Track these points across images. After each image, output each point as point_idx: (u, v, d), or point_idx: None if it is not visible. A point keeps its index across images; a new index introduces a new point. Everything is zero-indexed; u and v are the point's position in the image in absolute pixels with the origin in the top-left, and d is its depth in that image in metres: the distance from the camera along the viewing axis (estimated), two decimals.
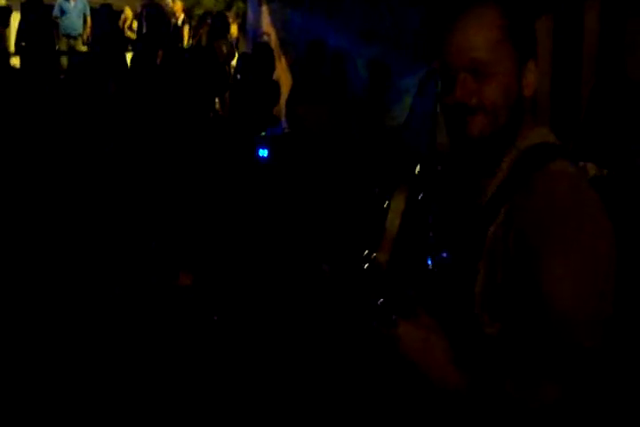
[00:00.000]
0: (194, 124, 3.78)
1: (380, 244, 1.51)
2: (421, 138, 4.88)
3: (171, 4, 12.81)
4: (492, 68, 1.48)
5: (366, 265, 1.48)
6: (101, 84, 4.29)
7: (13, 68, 7.19)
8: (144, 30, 12.36)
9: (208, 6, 12.83)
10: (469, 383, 1.39)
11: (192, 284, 3.01)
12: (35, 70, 6.02)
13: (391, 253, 1.48)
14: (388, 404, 1.70)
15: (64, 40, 12.13)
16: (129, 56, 8.47)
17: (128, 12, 13.40)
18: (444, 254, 1.64)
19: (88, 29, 12.39)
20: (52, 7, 12.09)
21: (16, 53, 10.94)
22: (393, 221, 1.52)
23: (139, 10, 12.99)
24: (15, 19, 11.85)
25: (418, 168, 1.61)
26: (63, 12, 12.08)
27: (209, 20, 10.98)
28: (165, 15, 12.50)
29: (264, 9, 10.09)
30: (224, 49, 8.88)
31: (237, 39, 11.33)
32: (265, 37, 9.75)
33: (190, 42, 11.62)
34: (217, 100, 6.47)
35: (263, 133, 3.99)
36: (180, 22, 12.65)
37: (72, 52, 11.53)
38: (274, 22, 9.63)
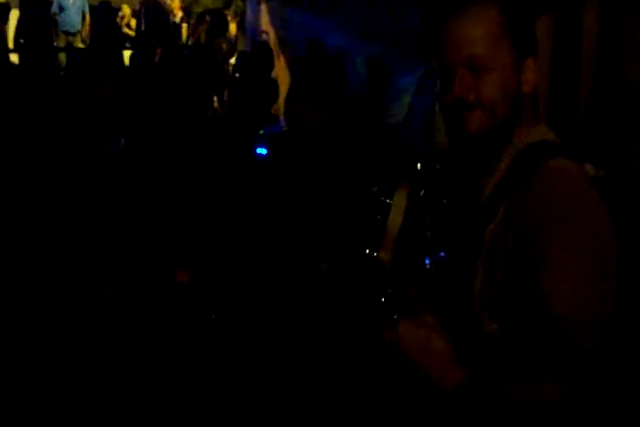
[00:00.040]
0: (192, 122, 3.78)
1: (381, 242, 1.50)
2: (420, 136, 4.88)
3: (169, 1, 12.80)
4: (489, 64, 1.48)
5: (368, 264, 1.48)
6: (98, 83, 4.29)
7: (12, 65, 7.18)
8: (142, 28, 12.35)
9: (207, 4, 12.82)
10: (469, 383, 1.38)
11: (190, 282, 3.01)
12: (33, 67, 6.00)
13: (393, 251, 1.48)
14: (387, 403, 1.70)
15: (62, 37, 12.11)
16: (127, 54, 8.46)
17: (126, 10, 13.38)
18: (442, 254, 1.64)
19: (87, 26, 12.37)
20: (50, 4, 12.07)
21: (14, 50, 10.92)
22: (395, 220, 1.52)
23: (137, 7, 12.98)
24: (13, 15, 11.83)
25: (419, 165, 1.60)
26: (62, 8, 12.05)
27: (208, 18, 10.97)
28: (164, 13, 12.49)
29: (263, 7, 10.08)
30: (224, 47, 8.87)
31: (236, 37, 11.32)
32: (264, 36, 9.74)
33: (188, 40, 11.60)
34: (215, 98, 6.47)
35: (262, 132, 4.00)
36: (177, 20, 12.64)
37: (70, 48, 11.50)
38: (273, 21, 9.62)
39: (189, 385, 2.74)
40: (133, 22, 13.22)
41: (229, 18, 11.05)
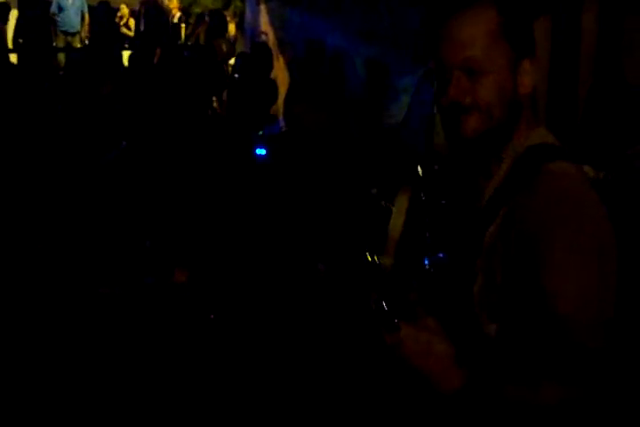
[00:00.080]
0: (191, 122, 3.78)
1: (383, 246, 1.51)
2: (419, 137, 4.88)
3: (166, 1, 12.78)
4: (485, 67, 1.48)
5: (369, 268, 1.48)
6: (96, 84, 4.29)
7: (11, 65, 7.18)
8: (142, 28, 12.34)
9: (206, 5, 12.81)
10: (469, 386, 1.38)
11: (188, 281, 3.01)
12: (32, 67, 6.00)
13: (395, 256, 1.49)
14: (387, 404, 1.70)
15: (61, 37, 12.10)
16: (126, 54, 8.45)
17: (124, 10, 13.37)
18: (441, 255, 1.64)
19: (86, 27, 12.37)
20: (49, 4, 12.07)
21: (13, 50, 10.92)
22: (396, 224, 1.52)
23: (137, 7, 12.97)
24: (13, 15, 11.83)
25: (420, 169, 1.60)
26: (61, 9, 12.05)
27: (207, 19, 10.96)
28: (164, 13, 12.49)
29: (262, 8, 10.08)
30: (224, 48, 8.87)
31: (235, 38, 11.31)
32: (263, 36, 9.75)
33: (187, 40, 11.60)
34: (214, 98, 6.47)
35: (261, 132, 4.00)
36: (175, 20, 12.62)
37: (69, 49, 11.50)
38: (272, 21, 9.61)
39: (187, 385, 2.74)
40: (132, 22, 13.22)
41: (228, 18, 11.05)
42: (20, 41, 11.28)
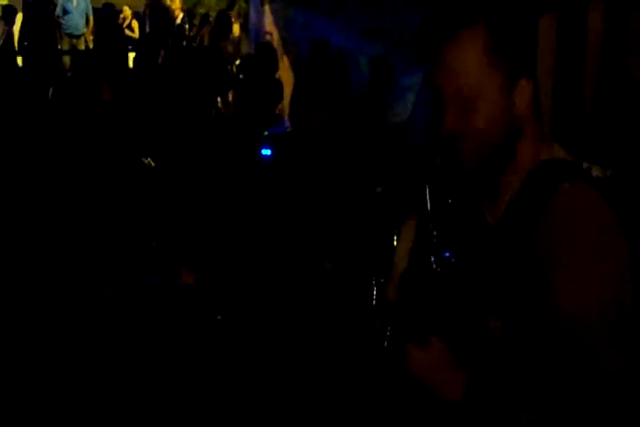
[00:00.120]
0: (197, 123, 3.78)
1: (388, 276, 1.50)
2: (423, 136, 4.88)
3: (169, 2, 12.78)
4: (479, 94, 1.47)
5: (375, 296, 1.49)
6: (96, 89, 4.29)
7: (17, 67, 7.20)
8: (147, 29, 12.36)
9: (210, 5, 12.82)
10: (470, 396, 1.41)
11: (195, 282, 3.01)
12: (36, 70, 6.01)
13: (399, 286, 1.48)
14: (388, 405, 1.70)
15: (66, 40, 12.13)
16: (131, 56, 8.47)
17: (127, 12, 13.37)
18: (447, 254, 1.64)
19: (91, 29, 12.39)
20: (54, 7, 12.09)
21: (18, 53, 10.94)
22: (401, 254, 1.51)
23: (142, 9, 12.98)
24: (19, 18, 11.85)
25: (428, 198, 1.59)
26: (65, 11, 12.07)
27: (211, 20, 10.98)
28: (169, 15, 12.50)
29: (266, 8, 10.08)
30: (230, 49, 8.89)
31: (240, 39, 11.32)
32: (267, 37, 9.75)
33: (191, 41, 11.60)
34: (219, 99, 6.46)
35: (266, 132, 4.00)
36: (178, 21, 12.63)
37: (74, 51, 11.52)
38: (276, 21, 9.61)
39: (194, 386, 2.74)
40: (135, 24, 13.22)
41: (233, 19, 11.05)
42: (25, 44, 11.31)
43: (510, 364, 1.46)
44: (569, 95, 4.11)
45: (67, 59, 10.94)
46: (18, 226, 3.30)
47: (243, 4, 12.00)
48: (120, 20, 13.29)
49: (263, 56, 6.31)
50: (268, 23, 9.93)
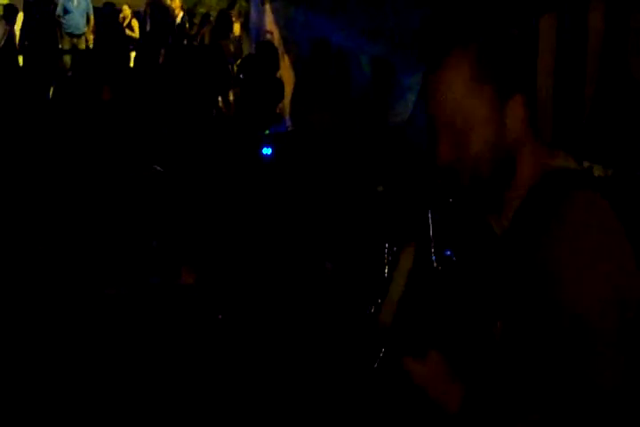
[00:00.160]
0: (197, 122, 3.78)
1: (383, 303, 1.51)
2: (424, 135, 4.88)
3: (169, 1, 12.77)
4: (469, 123, 1.47)
5: (368, 322, 1.50)
6: (96, 90, 4.29)
7: (19, 66, 7.21)
8: (148, 29, 12.36)
9: (211, 5, 12.83)
10: (467, 406, 1.43)
11: (195, 283, 3.01)
12: (37, 69, 6.01)
13: (395, 314, 1.49)
14: (387, 405, 1.71)
15: (67, 39, 12.14)
16: (133, 55, 8.47)
17: (127, 11, 13.36)
18: (448, 252, 1.64)
19: (92, 28, 12.40)
20: (55, 6, 12.10)
21: (19, 52, 10.95)
22: (398, 282, 1.51)
23: (142, 8, 12.98)
24: (20, 18, 11.86)
25: (430, 219, 1.59)
26: (66, 11, 12.08)
27: (212, 19, 10.98)
28: (169, 14, 12.50)
29: (267, 7, 10.07)
30: (231, 48, 8.90)
31: (240, 38, 11.32)
32: (268, 36, 9.74)
33: (192, 40, 11.61)
34: (220, 98, 6.47)
35: (267, 132, 4.00)
36: (178, 20, 12.63)
37: (75, 51, 11.53)
38: (277, 21, 9.61)
39: (194, 386, 2.74)
40: (134, 23, 13.21)
41: (233, 18, 11.05)
42: (26, 43, 11.32)
43: (510, 365, 1.46)
44: (570, 95, 4.11)
45: (67, 58, 10.95)
46: (18, 225, 3.30)
47: (243, 4, 12.01)
48: (120, 20, 13.28)
49: (264, 55, 6.31)
50: (269, 22, 9.92)
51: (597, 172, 2.66)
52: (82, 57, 6.39)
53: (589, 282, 1.38)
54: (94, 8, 12.55)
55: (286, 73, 7.95)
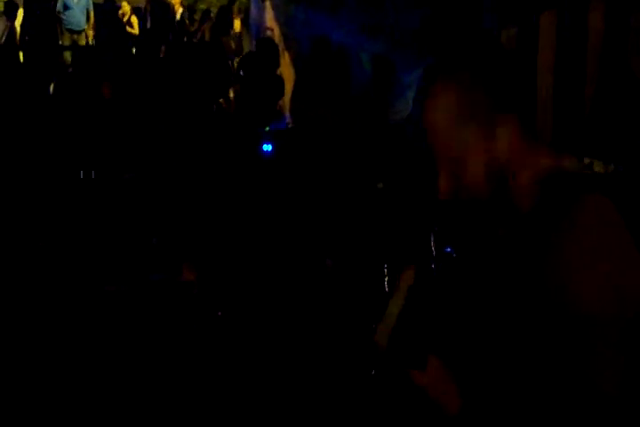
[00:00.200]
0: (198, 118, 3.77)
1: (378, 323, 1.52)
2: (424, 133, 4.87)
3: None
4: (461, 152, 1.48)
5: (365, 341, 1.52)
6: (97, 87, 4.29)
7: (19, 62, 7.21)
8: (148, 25, 12.35)
9: (211, 1, 12.82)
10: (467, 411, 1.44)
11: (195, 279, 3.01)
12: (37, 65, 6.00)
13: (390, 336, 1.50)
14: (387, 404, 1.72)
15: (67, 35, 12.13)
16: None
17: (126, 7, 13.34)
18: (448, 249, 1.64)
19: (92, 25, 12.39)
20: (55, 2, 12.09)
21: (20, 48, 10.94)
22: (395, 304, 1.52)
23: (141, 4, 12.97)
24: (19, 14, 11.86)
25: (433, 247, 1.60)
26: (66, 7, 12.07)
27: (212, 16, 10.98)
28: (170, 11, 12.49)
29: (267, 4, 10.06)
30: (232, 45, 8.89)
31: (241, 35, 11.32)
32: (268, 33, 9.74)
33: (192, 36, 11.60)
34: (220, 95, 6.45)
35: (267, 128, 4.00)
36: (178, 16, 12.61)
37: (75, 47, 11.52)
38: (277, 17, 9.60)
39: (194, 383, 2.74)
40: (134, 20, 13.19)
41: (234, 15, 11.05)
42: (27, 39, 11.31)
43: (509, 366, 1.46)
44: (570, 93, 4.11)
45: (68, 54, 10.94)
46: (18, 222, 3.30)
47: (243, 0, 12.00)
48: (119, 16, 13.26)
49: (264, 52, 6.30)
50: (269, 19, 9.92)
51: (597, 168, 2.66)
52: (82, 53, 6.39)
53: (596, 283, 1.38)
54: (94, 4, 12.54)
55: (286, 70, 7.95)
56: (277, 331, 2.78)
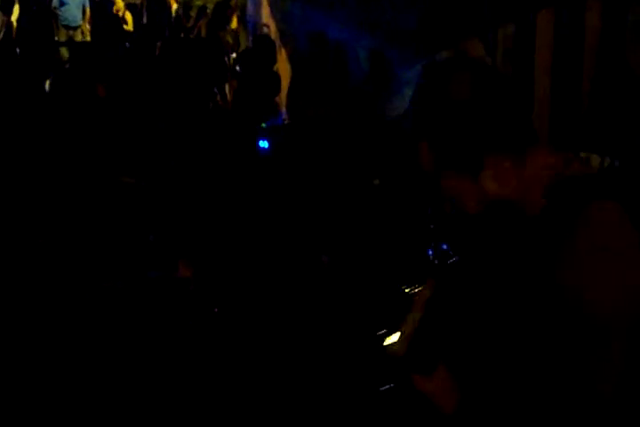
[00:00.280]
0: (194, 115, 3.77)
1: (396, 331, 1.53)
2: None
3: None
4: (454, 195, 1.53)
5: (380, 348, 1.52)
6: (93, 84, 4.28)
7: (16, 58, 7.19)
8: (144, 21, 12.32)
9: None
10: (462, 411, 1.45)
11: (192, 276, 3.01)
12: (34, 61, 5.99)
13: (409, 345, 1.51)
14: (385, 403, 1.72)
15: (63, 31, 12.10)
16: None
17: (120, 4, 13.29)
18: (444, 246, 1.64)
19: (88, 20, 12.36)
20: None
21: (16, 43, 10.91)
22: (415, 315, 1.53)
23: (137, 0, 12.93)
24: (15, 10, 11.83)
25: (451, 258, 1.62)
26: (62, 3, 12.03)
27: (208, 12, 10.95)
28: (166, 6, 12.48)
29: (263, 0, 10.05)
30: (229, 40, 8.88)
31: (237, 31, 11.29)
32: (264, 29, 9.73)
33: (189, 33, 11.57)
34: (216, 91, 6.46)
35: (263, 125, 3.99)
36: (173, 13, 12.59)
37: (71, 43, 11.49)
38: (273, 13, 9.59)
39: (191, 379, 2.74)
40: (128, 16, 13.14)
41: (230, 11, 11.02)
42: (22, 35, 11.28)
43: (509, 366, 1.47)
44: (567, 90, 4.12)
45: (64, 50, 10.91)
46: (16, 219, 3.30)
47: None
48: (113, 12, 13.22)
49: (261, 49, 6.29)
50: (266, 15, 9.90)
51: (594, 162, 2.66)
52: (78, 49, 6.38)
53: (608, 285, 1.39)
54: (90, 0, 12.51)
55: (283, 66, 7.94)
56: (273, 327, 2.78)
